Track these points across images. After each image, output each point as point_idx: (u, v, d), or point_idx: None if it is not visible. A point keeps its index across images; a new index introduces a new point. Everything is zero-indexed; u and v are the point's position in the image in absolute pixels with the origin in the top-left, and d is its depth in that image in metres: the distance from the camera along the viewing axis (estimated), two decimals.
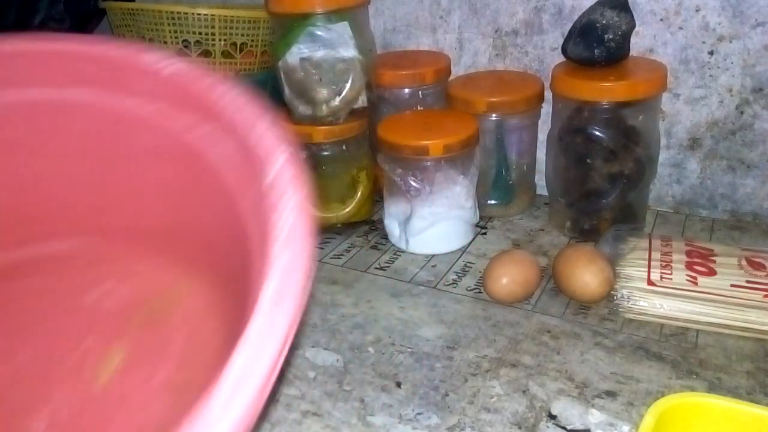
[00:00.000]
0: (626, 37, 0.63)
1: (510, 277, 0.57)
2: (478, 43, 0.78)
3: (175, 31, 0.69)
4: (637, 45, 0.68)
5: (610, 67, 0.64)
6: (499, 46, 0.77)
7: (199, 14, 0.68)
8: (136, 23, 0.70)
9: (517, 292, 0.57)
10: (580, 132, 0.65)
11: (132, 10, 0.70)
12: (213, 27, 0.69)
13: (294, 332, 0.24)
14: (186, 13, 0.68)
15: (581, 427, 0.44)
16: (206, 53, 0.70)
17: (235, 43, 0.71)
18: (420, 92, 0.75)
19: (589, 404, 0.46)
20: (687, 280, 0.55)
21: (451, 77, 0.77)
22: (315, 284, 0.63)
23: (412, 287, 0.62)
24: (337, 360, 0.52)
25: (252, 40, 0.72)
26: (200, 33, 0.69)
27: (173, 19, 0.68)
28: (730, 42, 0.65)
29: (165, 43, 0.69)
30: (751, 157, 0.68)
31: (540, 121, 0.74)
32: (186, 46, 0.70)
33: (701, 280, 0.55)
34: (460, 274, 0.64)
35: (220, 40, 0.70)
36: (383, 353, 0.53)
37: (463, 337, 0.54)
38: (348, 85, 0.68)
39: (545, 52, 0.74)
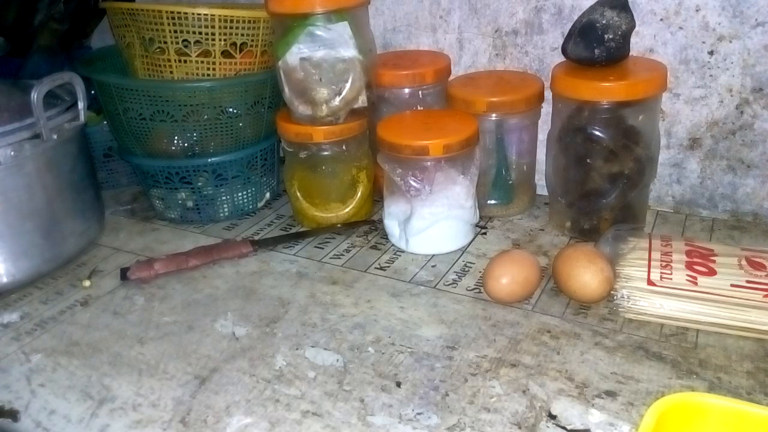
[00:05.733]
0: (626, 37, 0.63)
1: (510, 277, 0.57)
2: (478, 43, 0.78)
3: (175, 31, 0.69)
4: (637, 45, 0.68)
5: (610, 67, 0.64)
6: (499, 46, 0.77)
7: (199, 14, 0.68)
8: (136, 23, 0.70)
9: (517, 292, 0.57)
10: (580, 132, 0.65)
11: (132, 10, 0.69)
12: (213, 27, 0.69)
13: None
14: (186, 13, 0.68)
15: (581, 427, 0.44)
16: (206, 53, 0.70)
17: (235, 43, 0.71)
18: (420, 92, 0.75)
19: (589, 404, 0.46)
20: (687, 280, 0.55)
21: (451, 77, 0.77)
22: (315, 284, 0.63)
23: (412, 287, 0.62)
24: (337, 360, 0.52)
25: (252, 40, 0.72)
26: (200, 33, 0.69)
27: (173, 19, 0.68)
28: (730, 42, 0.65)
29: (165, 42, 0.69)
30: (751, 157, 0.68)
31: (540, 121, 0.74)
32: (186, 46, 0.70)
33: (701, 280, 0.55)
34: (460, 274, 0.64)
35: (220, 40, 0.70)
36: (383, 353, 0.53)
37: (463, 337, 0.54)
38: (348, 85, 0.68)
39: (545, 52, 0.74)
